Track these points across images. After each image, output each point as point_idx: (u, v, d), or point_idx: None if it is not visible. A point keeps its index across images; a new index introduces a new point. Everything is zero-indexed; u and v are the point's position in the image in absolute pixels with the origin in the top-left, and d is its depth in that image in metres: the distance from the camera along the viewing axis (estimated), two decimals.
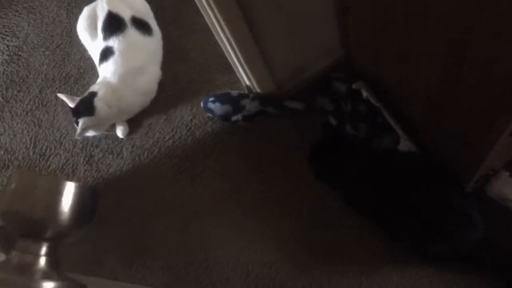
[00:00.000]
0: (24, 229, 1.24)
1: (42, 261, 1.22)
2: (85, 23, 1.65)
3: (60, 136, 1.68)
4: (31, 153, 1.67)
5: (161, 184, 1.53)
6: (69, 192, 1.27)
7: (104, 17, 1.58)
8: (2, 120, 1.75)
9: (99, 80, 1.56)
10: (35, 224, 1.24)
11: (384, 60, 1.26)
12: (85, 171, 1.61)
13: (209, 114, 1.57)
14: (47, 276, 1.20)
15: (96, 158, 1.62)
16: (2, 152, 1.69)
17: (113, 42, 1.54)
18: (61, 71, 1.80)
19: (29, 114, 1.75)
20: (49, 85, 1.78)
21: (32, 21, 1.94)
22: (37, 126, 1.72)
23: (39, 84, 1.79)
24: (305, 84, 1.50)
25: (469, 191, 1.23)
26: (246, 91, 1.56)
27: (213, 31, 1.30)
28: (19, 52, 1.88)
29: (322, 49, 1.45)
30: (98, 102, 1.49)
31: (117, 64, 1.53)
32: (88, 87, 1.59)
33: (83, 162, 1.62)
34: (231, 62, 1.45)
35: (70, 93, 1.71)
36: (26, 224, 1.24)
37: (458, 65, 0.90)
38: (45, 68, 1.82)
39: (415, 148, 1.32)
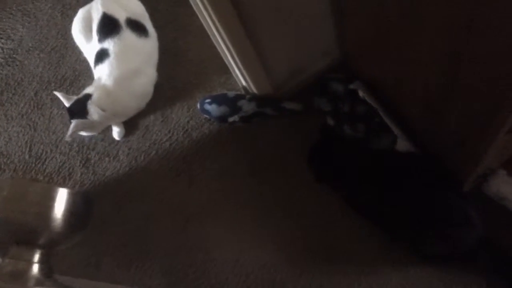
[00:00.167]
0: (17, 237, 1.23)
1: (35, 268, 1.21)
2: (80, 25, 1.64)
3: (56, 139, 1.67)
4: (27, 157, 1.66)
5: (159, 186, 1.53)
6: (61, 199, 1.26)
7: (99, 19, 1.57)
8: None
9: (94, 82, 1.55)
10: (28, 231, 1.23)
11: (381, 60, 1.26)
12: (81, 174, 1.60)
13: (206, 116, 1.56)
14: (40, 284, 1.19)
15: (92, 161, 1.61)
16: None
17: (109, 44, 1.53)
18: (56, 73, 1.79)
19: (25, 117, 1.74)
20: (44, 87, 1.77)
21: (26, 23, 1.93)
22: (32, 129, 1.71)
23: (34, 87, 1.78)
24: (303, 85, 1.50)
25: (467, 190, 1.23)
26: (243, 92, 1.56)
27: (209, 32, 1.30)
28: (14, 55, 1.87)
29: (319, 49, 1.45)
30: (91, 105, 1.48)
31: (113, 66, 1.52)
32: (84, 90, 1.58)
33: (79, 165, 1.61)
34: (227, 63, 1.45)
35: None
36: (19, 232, 1.23)
37: (455, 64, 0.90)
38: (40, 71, 1.81)
39: (413, 148, 1.32)
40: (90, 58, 1.65)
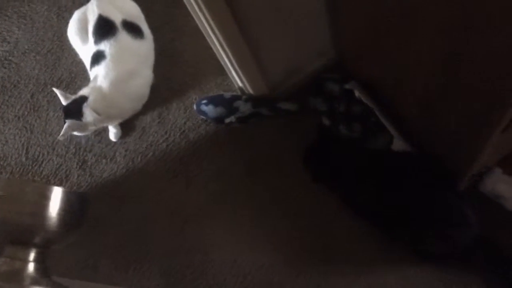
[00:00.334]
0: (12, 236, 1.23)
1: (31, 267, 1.21)
2: (76, 27, 1.64)
3: (53, 141, 1.67)
4: (23, 159, 1.66)
5: (156, 187, 1.53)
6: (56, 198, 1.26)
7: (94, 21, 1.56)
8: None
9: (90, 84, 1.55)
10: (23, 230, 1.23)
11: (376, 60, 1.26)
12: (78, 176, 1.60)
13: (202, 117, 1.56)
14: (36, 283, 1.20)
15: (89, 163, 1.61)
16: None
17: (104, 46, 1.53)
18: (53, 75, 1.79)
19: (21, 119, 1.73)
20: (40, 90, 1.77)
21: (22, 25, 1.92)
22: (29, 132, 1.70)
23: (31, 89, 1.78)
24: (298, 85, 1.50)
25: (462, 189, 1.24)
26: (239, 93, 1.56)
27: (204, 34, 1.30)
28: (10, 57, 1.86)
29: (314, 49, 1.45)
30: (87, 108, 1.48)
31: (109, 68, 1.51)
32: (80, 91, 1.57)
33: (76, 167, 1.61)
34: (223, 64, 1.45)
35: None
36: (14, 231, 1.23)
37: (451, 64, 0.90)
38: (36, 73, 1.81)
39: (409, 147, 1.33)
40: (86, 60, 1.65)
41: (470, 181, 1.24)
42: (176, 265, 1.42)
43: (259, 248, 1.39)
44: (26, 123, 1.72)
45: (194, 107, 1.57)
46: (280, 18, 1.25)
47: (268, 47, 1.32)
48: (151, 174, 1.55)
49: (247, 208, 1.44)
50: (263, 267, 1.37)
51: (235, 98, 1.52)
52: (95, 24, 1.56)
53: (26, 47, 1.87)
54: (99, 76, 1.52)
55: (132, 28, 1.58)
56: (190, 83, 1.65)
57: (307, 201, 1.40)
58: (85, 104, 1.48)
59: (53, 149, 1.66)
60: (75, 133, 1.55)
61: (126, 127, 1.63)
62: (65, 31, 1.72)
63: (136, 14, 1.65)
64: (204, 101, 1.54)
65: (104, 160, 1.60)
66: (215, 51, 1.38)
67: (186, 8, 1.21)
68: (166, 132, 1.60)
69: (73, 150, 1.64)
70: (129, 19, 1.59)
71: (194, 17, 1.23)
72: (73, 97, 1.53)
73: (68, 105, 1.52)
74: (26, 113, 1.74)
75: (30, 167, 1.64)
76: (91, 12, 1.59)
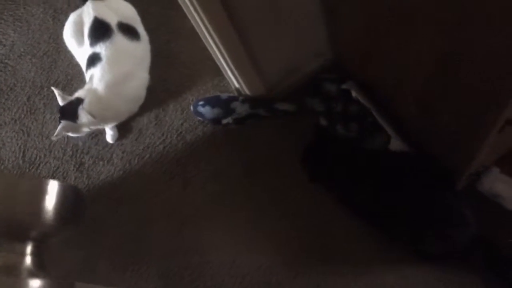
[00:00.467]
0: (9, 230, 1.23)
1: (28, 260, 1.21)
2: (72, 30, 1.63)
3: (50, 143, 1.66)
4: (20, 162, 1.65)
5: (153, 189, 1.53)
6: (52, 191, 1.25)
7: (90, 23, 1.56)
8: None
9: (86, 86, 1.55)
10: (20, 224, 1.22)
11: (373, 60, 1.26)
12: (75, 178, 1.59)
13: (199, 118, 1.56)
14: (33, 275, 1.19)
15: (86, 165, 1.60)
16: None
17: (100, 48, 1.53)
18: (49, 78, 1.78)
19: (18, 122, 1.73)
20: (37, 92, 1.77)
21: (18, 28, 1.92)
22: (26, 134, 1.70)
23: (27, 92, 1.78)
24: (295, 86, 1.50)
25: (460, 189, 1.24)
26: (236, 94, 1.56)
27: (200, 35, 1.30)
28: (6, 60, 1.86)
29: (311, 50, 1.45)
30: (82, 111, 1.47)
31: (104, 70, 1.51)
32: (76, 92, 1.56)
33: (73, 170, 1.61)
34: (219, 65, 1.44)
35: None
36: (10, 225, 1.22)
37: (450, 64, 0.90)
38: (32, 76, 1.80)
39: (406, 147, 1.32)
40: (82, 62, 1.64)
41: (468, 180, 1.24)
42: (174, 267, 1.41)
43: (257, 249, 1.39)
44: (23, 126, 1.72)
45: (191, 108, 1.57)
46: (277, 18, 1.25)
47: (264, 47, 1.32)
48: (148, 175, 1.55)
49: (245, 209, 1.44)
50: (262, 268, 1.36)
51: (232, 99, 1.52)
52: (90, 26, 1.56)
53: (22, 49, 1.87)
54: (95, 78, 1.52)
55: (127, 30, 1.58)
56: (187, 85, 1.65)
57: (305, 201, 1.40)
58: (80, 107, 1.47)
59: (50, 151, 1.65)
60: (69, 134, 1.55)
61: (123, 129, 1.63)
62: (61, 34, 1.72)
63: (131, 16, 1.64)
64: (201, 103, 1.54)
65: (101, 162, 1.60)
66: (211, 52, 1.38)
67: (182, 10, 1.21)
68: (163, 134, 1.59)
69: (70, 153, 1.63)
70: (125, 21, 1.59)
71: (190, 18, 1.23)
72: (70, 98, 1.52)
73: (64, 106, 1.52)
74: (22, 116, 1.74)
75: (27, 170, 1.64)
76: (87, 15, 1.59)
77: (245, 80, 1.42)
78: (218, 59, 1.38)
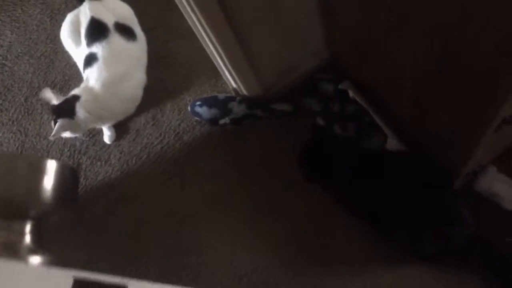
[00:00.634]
0: (8, 210, 1.24)
1: (27, 239, 1.23)
2: (69, 30, 1.63)
3: (47, 144, 1.66)
4: None
5: (151, 190, 1.52)
6: (50, 170, 1.27)
7: (87, 23, 1.56)
8: None
9: (82, 84, 1.54)
10: (19, 204, 1.24)
11: (370, 60, 1.26)
12: None
13: (197, 118, 1.56)
14: (33, 253, 1.22)
15: (84, 166, 1.60)
16: None
17: (97, 49, 1.52)
18: (46, 78, 1.78)
19: (15, 123, 1.73)
20: (34, 93, 1.76)
21: (15, 29, 1.92)
22: (23, 135, 1.70)
23: (24, 93, 1.77)
24: (292, 86, 1.50)
25: (458, 188, 1.24)
26: (233, 94, 1.56)
27: (198, 35, 1.29)
28: (3, 61, 1.85)
29: (308, 49, 1.45)
30: (79, 107, 1.47)
31: (101, 70, 1.51)
32: (71, 91, 1.56)
33: None
34: (217, 66, 1.44)
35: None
36: (9, 205, 1.23)
37: (445, 63, 0.90)
38: (30, 76, 1.80)
39: (403, 146, 1.32)
40: (80, 63, 1.64)
41: (465, 180, 1.24)
42: (172, 267, 1.41)
43: (255, 249, 1.39)
44: (20, 127, 1.71)
45: (188, 108, 1.57)
46: (274, 18, 1.25)
47: (261, 47, 1.32)
48: (146, 176, 1.55)
49: (242, 209, 1.44)
50: (259, 268, 1.36)
51: (229, 99, 1.51)
52: (87, 27, 1.56)
53: (19, 50, 1.86)
54: (92, 78, 1.51)
55: (124, 30, 1.57)
56: (184, 85, 1.64)
57: (303, 201, 1.40)
58: (78, 103, 1.47)
59: (48, 152, 1.65)
60: (66, 134, 1.54)
61: (120, 129, 1.63)
62: (58, 34, 1.72)
63: (128, 16, 1.64)
64: (198, 103, 1.54)
65: (98, 163, 1.60)
66: (208, 52, 1.38)
67: (180, 10, 1.21)
68: (160, 134, 1.59)
69: (68, 153, 1.63)
70: (122, 21, 1.59)
71: (187, 18, 1.23)
72: (64, 97, 1.52)
73: (60, 104, 1.51)
74: (20, 116, 1.73)
75: None
76: (84, 15, 1.59)
77: (242, 80, 1.42)
78: (215, 59, 1.38)
